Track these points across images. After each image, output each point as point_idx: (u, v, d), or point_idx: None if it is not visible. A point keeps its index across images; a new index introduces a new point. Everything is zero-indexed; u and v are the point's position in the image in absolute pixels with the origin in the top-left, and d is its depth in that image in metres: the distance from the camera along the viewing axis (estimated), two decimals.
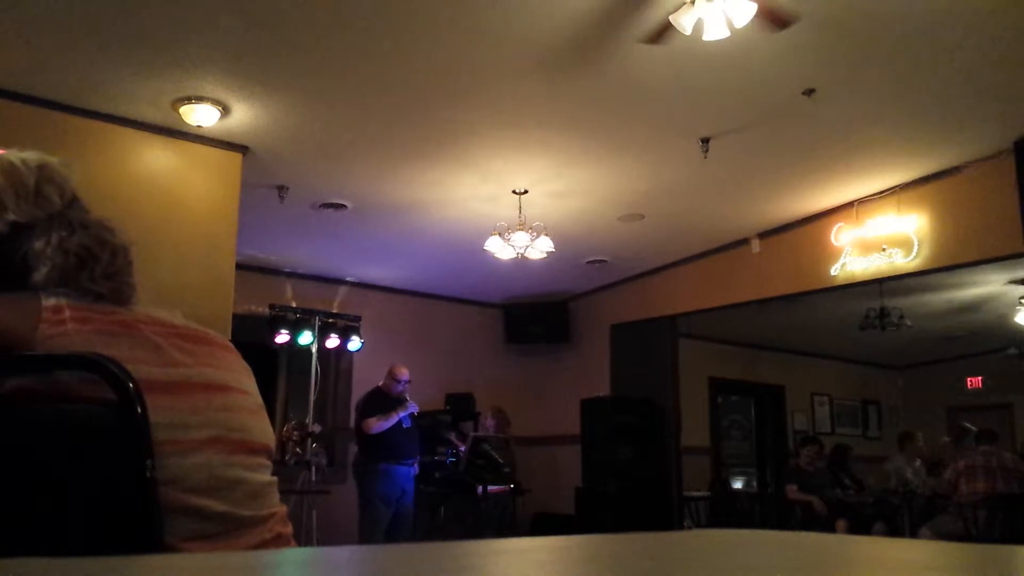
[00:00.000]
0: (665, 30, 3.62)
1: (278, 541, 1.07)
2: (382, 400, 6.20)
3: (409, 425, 6.21)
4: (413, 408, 6.23)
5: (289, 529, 1.11)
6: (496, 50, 4.13)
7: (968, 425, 7.37)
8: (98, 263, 1.06)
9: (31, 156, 1.13)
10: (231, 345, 1.17)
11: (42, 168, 1.11)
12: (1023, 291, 7.61)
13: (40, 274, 1.04)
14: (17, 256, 1.06)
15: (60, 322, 1.00)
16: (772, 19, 3.59)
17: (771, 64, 4.26)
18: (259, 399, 1.15)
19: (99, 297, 1.05)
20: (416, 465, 6.31)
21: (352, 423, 6.46)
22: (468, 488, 6.57)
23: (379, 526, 5.95)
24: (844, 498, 7.08)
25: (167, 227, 4.74)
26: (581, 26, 3.85)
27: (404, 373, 6.31)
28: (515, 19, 3.83)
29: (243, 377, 1.14)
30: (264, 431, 1.12)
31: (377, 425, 6.02)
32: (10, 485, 0.93)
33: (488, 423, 7.69)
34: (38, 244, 1.05)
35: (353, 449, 6.47)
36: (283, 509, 1.12)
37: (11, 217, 1.06)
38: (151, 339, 1.05)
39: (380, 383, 6.36)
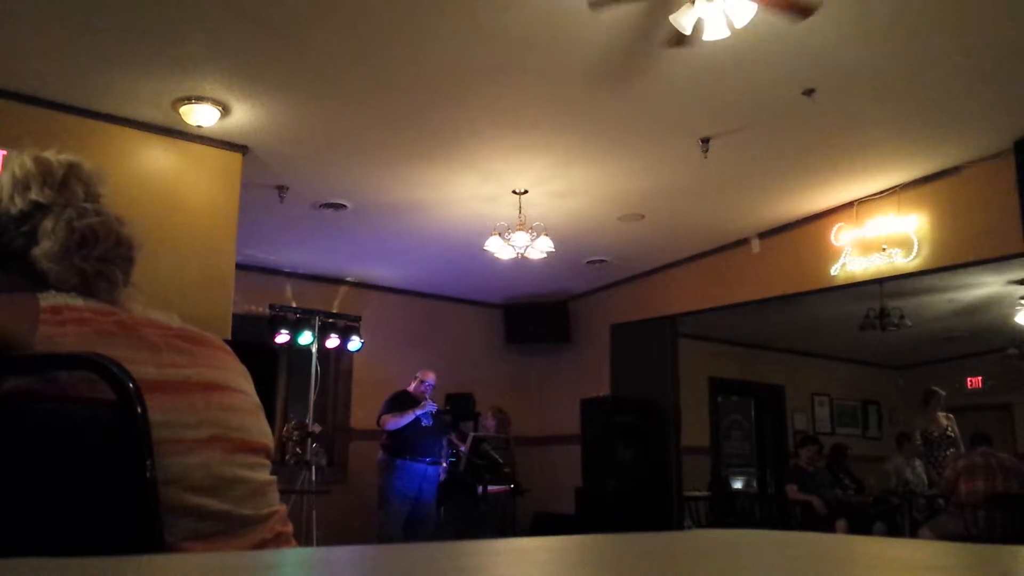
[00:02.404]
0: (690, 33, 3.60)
1: (278, 540, 1.08)
2: (403, 399, 6.40)
3: (430, 423, 6.36)
4: (431, 407, 6.39)
5: (289, 528, 1.12)
6: (496, 50, 4.13)
7: (936, 388, 7.43)
8: (97, 245, 1.09)
9: (65, 155, 1.17)
10: (228, 347, 1.18)
11: (72, 166, 1.15)
12: (1023, 291, 7.61)
13: (41, 248, 1.07)
14: (26, 230, 1.09)
15: (59, 323, 1.01)
16: (795, 8, 3.55)
17: (771, 64, 4.26)
18: (256, 400, 1.16)
19: (82, 277, 1.06)
20: (437, 464, 6.40)
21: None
22: (468, 488, 6.58)
23: (395, 521, 6.07)
24: (844, 498, 7.08)
25: (167, 227, 4.74)
26: (581, 26, 3.85)
27: (429, 376, 6.56)
28: (515, 20, 3.83)
29: (240, 378, 1.14)
30: (262, 431, 1.13)
31: (392, 422, 6.21)
32: (10, 485, 0.93)
33: (488, 423, 7.69)
34: (48, 222, 1.09)
35: (354, 449, 6.52)
36: (283, 508, 1.12)
37: (33, 197, 1.10)
38: (149, 340, 1.06)
39: (410, 386, 6.57)
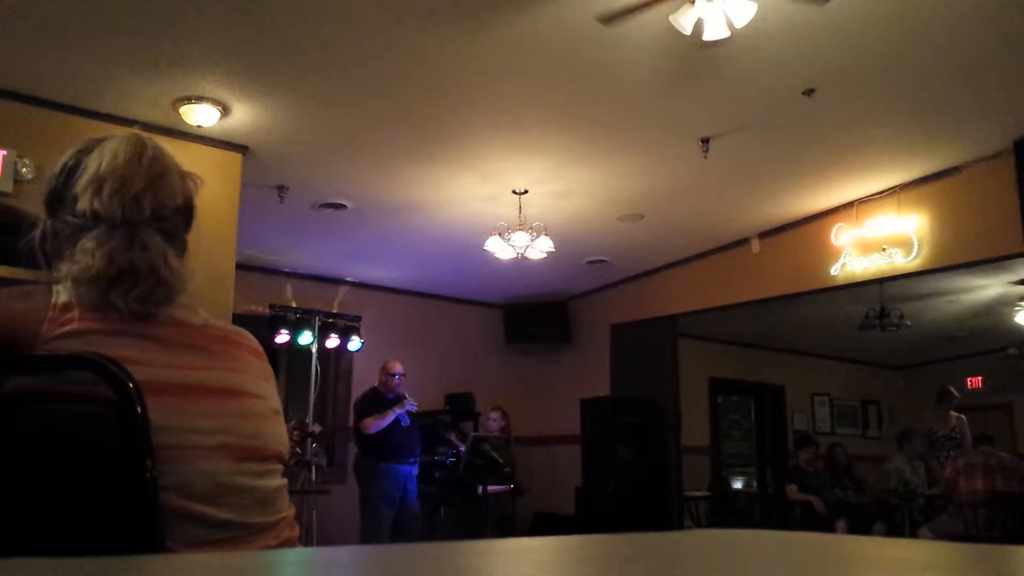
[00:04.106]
0: (621, 14, 3.58)
1: (284, 547, 1.07)
2: (378, 399, 6.18)
3: (408, 423, 6.18)
4: (411, 405, 6.19)
5: (296, 532, 1.10)
6: (496, 50, 4.13)
7: (951, 388, 7.41)
8: (135, 286, 1.03)
9: (162, 155, 1.11)
10: (253, 345, 1.14)
11: (160, 175, 1.09)
12: (1023, 291, 7.61)
13: (74, 266, 1.03)
14: (71, 233, 1.05)
15: (67, 321, 1.00)
16: None
17: (771, 64, 4.26)
18: (275, 404, 1.13)
19: (116, 310, 1.02)
20: (417, 464, 6.27)
21: (351, 423, 6.46)
22: (468, 488, 6.56)
23: (382, 526, 5.91)
24: (844, 498, 7.08)
25: None
26: (581, 26, 3.85)
27: (397, 367, 6.29)
28: (515, 20, 3.83)
29: (260, 381, 1.11)
30: (277, 437, 1.10)
31: (374, 424, 5.98)
32: (10, 485, 0.93)
33: (493, 424, 7.69)
34: (90, 242, 1.04)
35: (353, 449, 6.45)
36: (292, 512, 1.11)
37: (96, 206, 1.05)
38: (163, 340, 1.04)
39: (376, 383, 6.36)
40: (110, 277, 1.02)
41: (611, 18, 3.63)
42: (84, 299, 1.02)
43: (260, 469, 1.05)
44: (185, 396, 1.01)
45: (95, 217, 1.04)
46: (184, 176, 1.14)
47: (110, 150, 1.08)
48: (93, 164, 1.07)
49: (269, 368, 1.15)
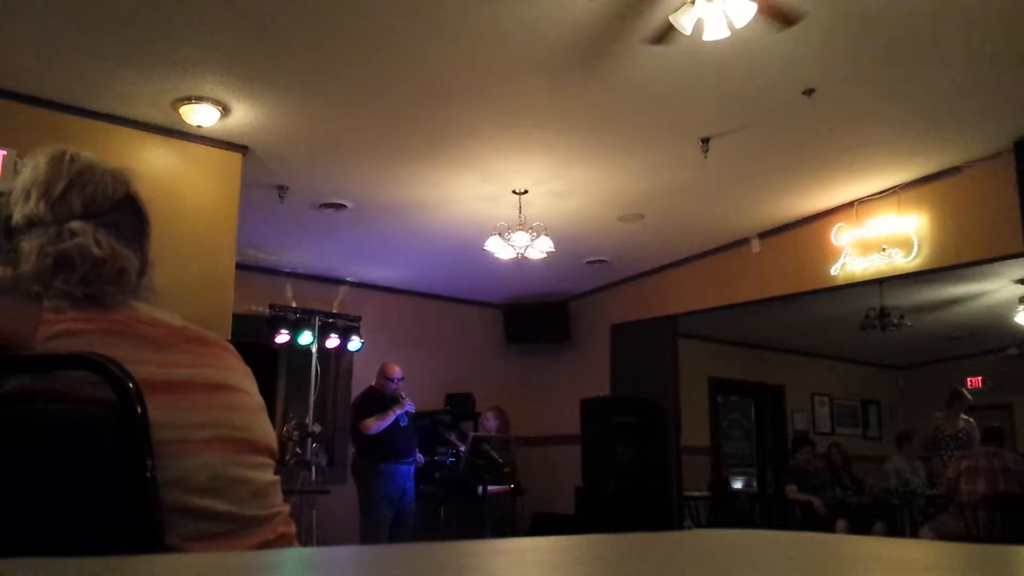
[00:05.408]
0: (669, 31, 3.62)
1: (281, 541, 1.07)
2: (377, 399, 6.17)
3: (406, 423, 6.19)
4: (410, 407, 6.20)
5: (292, 529, 1.11)
6: (497, 50, 4.13)
7: (963, 390, 7.38)
8: (74, 271, 1.05)
9: (85, 159, 1.14)
10: (231, 347, 1.17)
11: (82, 173, 1.12)
12: (1023, 291, 7.61)
13: (22, 270, 1.06)
14: (16, 245, 1.09)
15: (61, 322, 1.01)
16: (778, 16, 3.58)
17: (771, 64, 4.26)
18: (260, 400, 1.15)
19: (74, 300, 1.05)
20: (414, 464, 6.28)
21: (349, 424, 6.46)
22: (468, 488, 6.56)
23: (381, 527, 5.92)
24: (844, 498, 7.08)
25: (167, 227, 4.66)
26: (582, 27, 3.85)
27: (396, 371, 6.30)
28: (516, 19, 3.83)
29: (243, 378, 1.14)
30: (266, 431, 1.12)
31: (375, 425, 5.99)
32: (10, 485, 0.93)
33: (491, 423, 7.68)
34: (27, 244, 1.07)
35: (352, 450, 6.45)
36: (286, 508, 1.12)
37: (27, 212, 1.08)
38: (152, 339, 1.05)
39: (372, 383, 6.36)
40: (47, 270, 1.05)
41: (661, 38, 3.66)
42: (49, 298, 1.04)
43: (254, 461, 1.07)
44: (177, 392, 1.02)
45: (29, 224, 1.08)
46: (115, 173, 1.16)
47: (31, 165, 1.13)
48: (20, 180, 1.12)
49: (248, 367, 1.18)
